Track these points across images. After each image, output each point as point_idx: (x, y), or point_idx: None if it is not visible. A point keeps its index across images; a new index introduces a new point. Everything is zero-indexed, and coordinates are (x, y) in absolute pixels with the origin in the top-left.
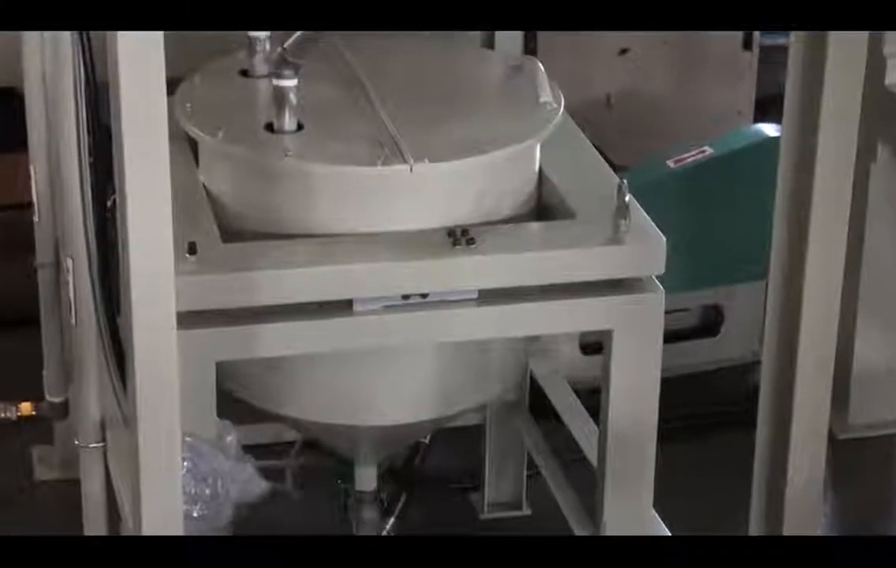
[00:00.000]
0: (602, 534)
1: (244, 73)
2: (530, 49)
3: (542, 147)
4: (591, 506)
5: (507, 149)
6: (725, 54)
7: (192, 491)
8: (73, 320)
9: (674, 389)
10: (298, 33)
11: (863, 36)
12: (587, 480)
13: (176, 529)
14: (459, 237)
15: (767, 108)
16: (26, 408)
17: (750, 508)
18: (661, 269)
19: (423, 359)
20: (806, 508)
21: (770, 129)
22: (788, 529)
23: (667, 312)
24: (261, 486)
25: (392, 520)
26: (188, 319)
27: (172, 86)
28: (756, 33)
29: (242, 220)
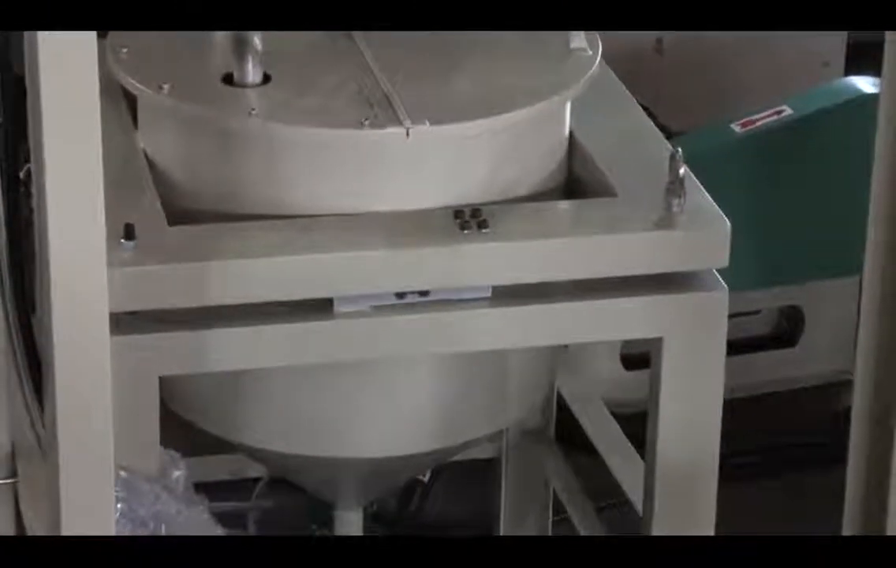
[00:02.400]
0: None
1: None
2: None
3: (573, 106)
4: None
5: (528, 108)
6: None
7: None
8: None
9: (741, 414)
10: None
11: None
12: (629, 528)
13: None
14: (469, 219)
15: (862, 56)
16: None
17: None
18: (725, 262)
19: (422, 374)
20: None
21: (865, 84)
22: None
23: (732, 316)
24: (216, 533)
25: None
26: (124, 322)
27: None
28: None
29: (194, 197)
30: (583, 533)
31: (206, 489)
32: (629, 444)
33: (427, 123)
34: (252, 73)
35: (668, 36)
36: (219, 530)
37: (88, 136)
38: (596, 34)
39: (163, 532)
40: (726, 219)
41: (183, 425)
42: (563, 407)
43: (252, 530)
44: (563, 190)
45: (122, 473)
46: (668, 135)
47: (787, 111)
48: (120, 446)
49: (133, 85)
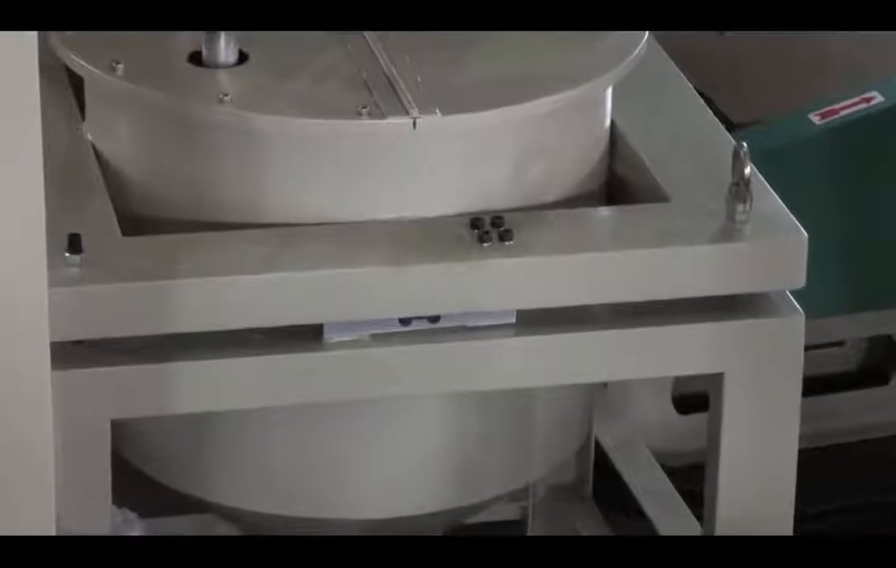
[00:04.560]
0: None
1: None
2: None
3: (615, 92)
4: None
5: (560, 95)
6: None
7: None
8: None
9: (820, 467)
10: None
11: None
12: None
13: None
14: (488, 229)
15: None
16: None
17: None
18: (802, 281)
19: (431, 419)
20: None
21: None
22: None
23: (810, 348)
24: None
25: None
26: (69, 353)
27: None
28: None
29: (154, 201)
30: None
31: None
32: (683, 503)
33: (438, 113)
34: (225, 52)
35: None
36: None
37: (25, 127)
38: None
39: None
40: (802, 229)
41: (140, 479)
42: (602, 458)
43: None
44: (604, 194)
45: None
46: (731, 127)
47: (878, 98)
48: (63, 504)
49: (80, 65)
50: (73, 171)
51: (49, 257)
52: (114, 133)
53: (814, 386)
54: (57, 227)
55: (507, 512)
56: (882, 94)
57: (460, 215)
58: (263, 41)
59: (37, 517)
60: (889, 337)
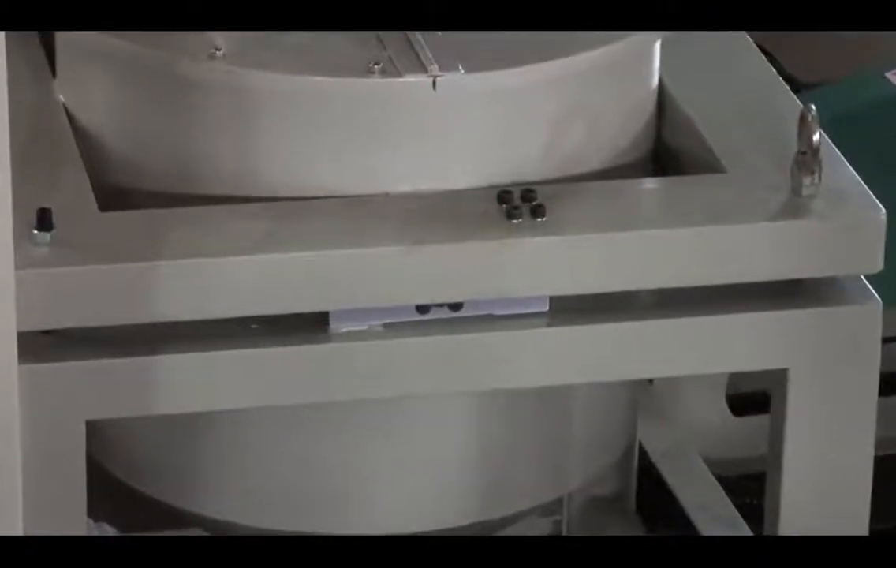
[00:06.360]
0: None
1: None
2: None
3: (663, 48)
4: None
5: (600, 50)
6: None
7: None
8: None
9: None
10: None
11: None
12: None
13: None
14: (518, 204)
15: None
16: None
17: None
18: (879, 265)
19: (452, 420)
20: None
21: None
22: None
23: (887, 341)
24: None
25: None
26: (38, 345)
27: None
28: None
29: (135, 171)
30: None
31: None
32: (739, 516)
33: (461, 70)
34: None
35: None
36: None
37: None
38: None
39: None
40: (880, 205)
41: (119, 488)
42: (646, 466)
43: None
44: (650, 164)
45: None
46: (797, 88)
47: None
48: (33, 516)
49: None
50: (42, 136)
51: (15, 236)
52: (89, 93)
53: (891, 384)
54: (24, 201)
55: (539, 527)
56: None
57: (486, 188)
58: None
59: (1, 532)
60: None
